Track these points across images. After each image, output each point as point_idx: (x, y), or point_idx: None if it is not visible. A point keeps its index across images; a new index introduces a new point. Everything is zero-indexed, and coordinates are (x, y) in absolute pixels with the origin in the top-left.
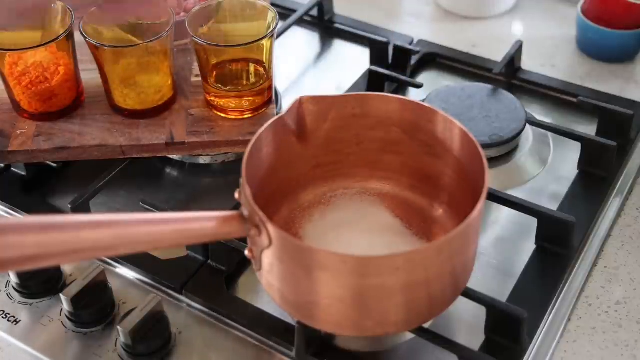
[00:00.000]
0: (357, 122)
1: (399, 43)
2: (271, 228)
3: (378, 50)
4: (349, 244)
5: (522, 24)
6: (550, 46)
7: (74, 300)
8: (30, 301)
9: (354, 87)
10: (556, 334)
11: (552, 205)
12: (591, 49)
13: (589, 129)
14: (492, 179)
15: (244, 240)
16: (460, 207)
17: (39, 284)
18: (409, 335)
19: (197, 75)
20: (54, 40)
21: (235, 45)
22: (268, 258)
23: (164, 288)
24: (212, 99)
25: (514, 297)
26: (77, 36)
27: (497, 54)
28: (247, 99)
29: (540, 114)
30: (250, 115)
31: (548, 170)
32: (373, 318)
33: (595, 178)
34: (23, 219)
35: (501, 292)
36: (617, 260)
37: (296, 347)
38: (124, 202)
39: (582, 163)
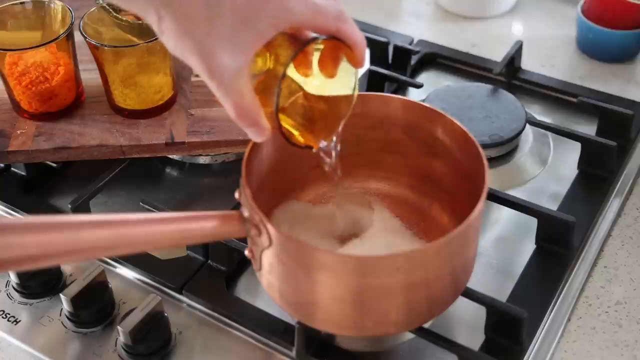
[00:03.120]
0: (357, 122)
1: (399, 43)
2: (271, 228)
3: (378, 50)
4: (349, 244)
5: (522, 24)
6: (550, 46)
7: (74, 300)
8: (30, 301)
9: None
10: (556, 334)
11: (552, 205)
12: (591, 49)
13: (589, 129)
14: (492, 179)
15: (244, 240)
16: (460, 207)
17: (39, 284)
18: (409, 335)
19: (197, 75)
20: (54, 40)
21: None
22: (268, 258)
23: (164, 288)
24: None
25: (514, 297)
26: (77, 36)
27: (497, 54)
28: None
29: (540, 114)
30: None
31: (548, 170)
32: (373, 318)
33: (595, 178)
34: (23, 219)
35: (501, 292)
36: (617, 260)
37: (296, 347)
38: (124, 202)
39: (582, 163)
